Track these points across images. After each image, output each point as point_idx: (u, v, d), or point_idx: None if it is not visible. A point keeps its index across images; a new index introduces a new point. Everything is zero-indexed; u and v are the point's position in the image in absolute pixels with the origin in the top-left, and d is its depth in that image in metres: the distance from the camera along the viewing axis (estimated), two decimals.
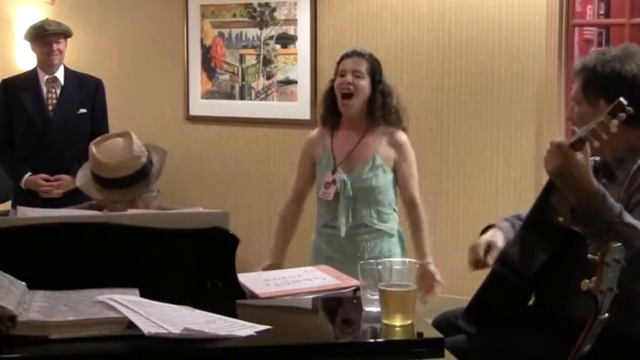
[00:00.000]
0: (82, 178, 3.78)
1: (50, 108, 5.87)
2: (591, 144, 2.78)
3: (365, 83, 4.52)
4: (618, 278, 2.40)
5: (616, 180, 2.95)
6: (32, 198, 5.57)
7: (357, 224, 4.54)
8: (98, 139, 3.75)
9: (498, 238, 3.31)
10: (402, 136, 4.60)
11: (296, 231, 4.79)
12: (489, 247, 3.28)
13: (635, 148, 3.04)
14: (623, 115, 2.76)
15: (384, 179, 4.54)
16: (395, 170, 4.59)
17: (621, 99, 2.78)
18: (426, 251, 4.56)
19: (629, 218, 2.75)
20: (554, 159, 2.79)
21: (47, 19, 6.42)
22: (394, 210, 4.65)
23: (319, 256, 4.65)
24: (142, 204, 3.65)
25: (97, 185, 3.66)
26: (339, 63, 4.63)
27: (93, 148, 3.65)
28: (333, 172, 4.56)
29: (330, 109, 4.65)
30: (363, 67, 4.54)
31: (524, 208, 3.24)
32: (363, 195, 4.53)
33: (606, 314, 2.37)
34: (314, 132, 4.81)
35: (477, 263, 3.29)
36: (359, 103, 4.53)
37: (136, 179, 3.62)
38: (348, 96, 4.51)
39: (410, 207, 4.59)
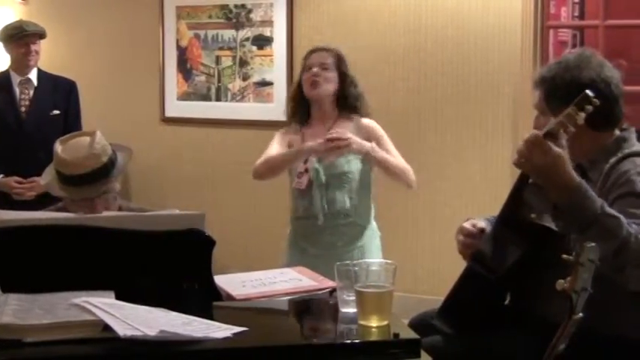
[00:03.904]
0: (47, 176, 3.77)
1: (23, 109, 5.86)
2: (556, 137, 2.80)
3: (332, 75, 4.63)
4: (600, 273, 2.42)
5: (590, 180, 2.97)
6: (4, 200, 5.55)
7: (332, 213, 4.58)
8: (65, 136, 3.73)
9: (480, 220, 3.34)
10: (368, 122, 4.69)
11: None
12: (474, 223, 3.31)
13: (607, 148, 3.08)
14: (590, 108, 2.79)
15: (356, 165, 4.59)
16: (368, 159, 4.63)
17: (587, 91, 2.81)
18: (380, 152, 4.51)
19: (610, 210, 2.77)
20: (534, 155, 2.80)
21: (22, 19, 6.40)
22: (370, 204, 4.71)
23: (294, 249, 4.72)
24: (100, 204, 3.62)
25: (59, 183, 3.65)
26: (304, 61, 4.73)
27: (57, 146, 3.64)
28: (305, 161, 4.59)
29: (300, 105, 4.74)
30: (329, 60, 4.65)
31: (500, 208, 3.25)
32: (337, 181, 4.58)
33: (580, 314, 2.38)
34: (284, 128, 4.86)
35: (470, 235, 3.29)
36: (327, 90, 4.63)
37: (94, 178, 3.58)
38: (315, 85, 4.59)
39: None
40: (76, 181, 3.59)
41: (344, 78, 4.66)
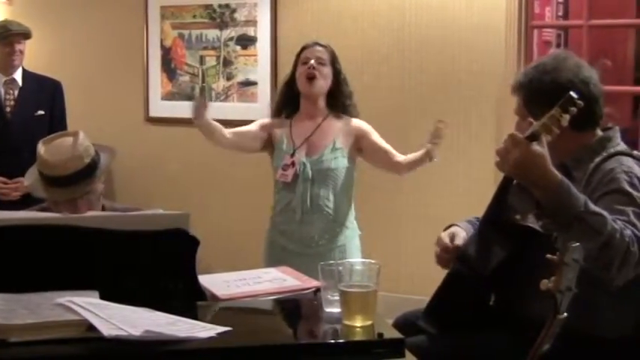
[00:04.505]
0: (31, 176, 3.76)
1: (8, 109, 5.85)
2: (538, 139, 2.81)
3: (328, 71, 4.63)
4: (581, 273, 2.42)
5: (574, 180, 2.97)
6: None
7: (314, 209, 4.59)
8: (48, 137, 3.71)
9: (460, 231, 3.35)
10: (359, 122, 4.73)
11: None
12: (453, 235, 3.32)
13: (591, 147, 3.10)
14: (574, 109, 2.80)
15: (342, 163, 4.62)
16: (354, 158, 4.70)
17: (572, 92, 2.82)
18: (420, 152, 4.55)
19: (594, 207, 2.77)
20: (512, 153, 2.81)
21: (7, 19, 6.39)
22: (351, 202, 4.73)
23: (273, 247, 4.73)
24: (83, 205, 3.60)
25: (41, 184, 3.63)
26: (299, 55, 4.72)
27: (40, 146, 3.63)
28: (292, 154, 4.59)
29: (289, 98, 4.74)
30: (325, 55, 4.65)
31: (484, 209, 3.26)
32: (322, 177, 4.59)
33: (565, 314, 2.39)
34: (271, 119, 4.87)
35: (446, 250, 3.30)
36: (323, 88, 4.64)
37: (75, 179, 3.56)
38: (313, 78, 4.58)
39: (400, 162, 4.66)
40: (59, 182, 3.57)
41: (337, 75, 4.67)
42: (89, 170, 3.61)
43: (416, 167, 4.63)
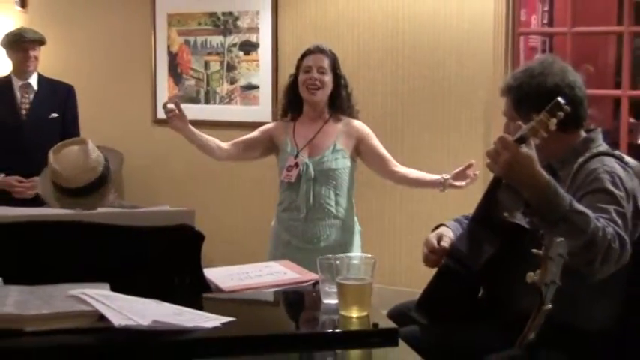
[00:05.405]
0: (43, 185, 3.68)
1: (23, 112, 5.85)
2: (527, 140, 2.81)
3: (328, 79, 4.61)
4: (570, 268, 2.43)
5: (559, 179, 2.98)
6: (5, 198, 5.53)
7: (317, 208, 4.59)
8: (57, 145, 3.61)
9: (448, 231, 3.36)
10: (359, 124, 4.72)
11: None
12: (440, 237, 3.32)
13: (576, 148, 3.10)
14: (561, 114, 2.80)
15: (343, 163, 4.61)
16: (355, 159, 4.70)
17: (559, 98, 2.82)
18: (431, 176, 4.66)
19: (579, 206, 2.78)
20: (501, 155, 2.81)
21: (23, 27, 6.41)
22: (353, 201, 4.72)
23: (277, 241, 4.71)
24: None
25: (56, 193, 3.56)
26: (301, 59, 4.69)
27: (51, 157, 3.54)
28: (296, 156, 4.60)
29: (293, 102, 4.73)
30: (326, 63, 4.62)
31: (473, 207, 3.26)
32: (324, 177, 4.58)
33: (550, 305, 2.39)
34: (275, 123, 4.91)
35: (433, 251, 3.31)
36: (324, 96, 4.62)
37: (90, 191, 3.51)
38: (315, 90, 4.57)
39: (397, 171, 4.70)
40: (73, 193, 3.49)
41: (338, 80, 4.66)
42: (102, 180, 3.53)
43: (422, 187, 4.71)
